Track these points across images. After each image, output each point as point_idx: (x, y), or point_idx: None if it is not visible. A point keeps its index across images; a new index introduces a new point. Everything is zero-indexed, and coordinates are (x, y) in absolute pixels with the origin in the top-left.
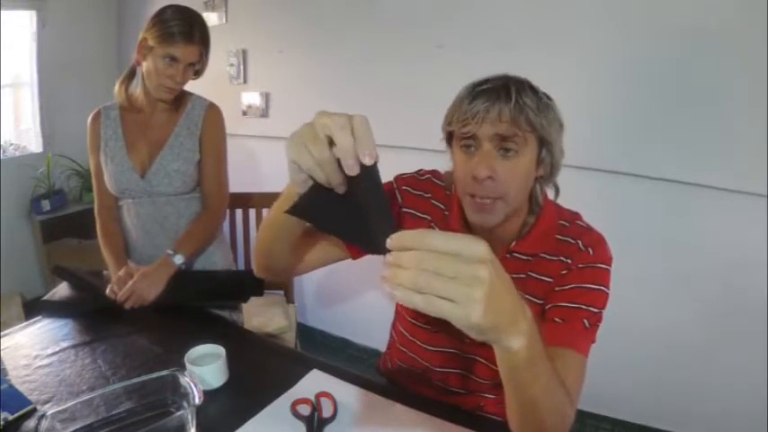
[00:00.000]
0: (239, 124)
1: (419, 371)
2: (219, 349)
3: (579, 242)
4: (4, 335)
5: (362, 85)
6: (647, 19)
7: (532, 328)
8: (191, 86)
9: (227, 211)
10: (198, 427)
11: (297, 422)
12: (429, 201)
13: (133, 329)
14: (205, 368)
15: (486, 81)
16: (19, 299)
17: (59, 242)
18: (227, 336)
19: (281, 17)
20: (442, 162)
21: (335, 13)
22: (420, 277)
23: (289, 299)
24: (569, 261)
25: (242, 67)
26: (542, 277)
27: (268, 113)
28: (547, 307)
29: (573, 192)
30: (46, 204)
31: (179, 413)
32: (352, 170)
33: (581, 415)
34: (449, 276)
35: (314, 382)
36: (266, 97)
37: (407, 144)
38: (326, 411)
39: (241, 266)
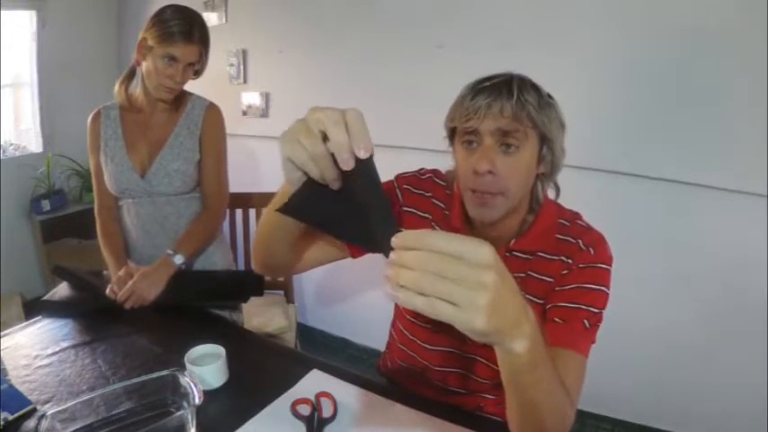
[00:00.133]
0: (239, 124)
1: (419, 370)
2: (219, 349)
3: (580, 241)
4: (4, 335)
5: (362, 85)
6: (647, 19)
7: (535, 331)
8: (191, 86)
9: (227, 211)
10: (198, 427)
11: (297, 422)
12: (430, 200)
13: (133, 329)
14: (205, 368)
15: (488, 78)
16: (19, 299)
17: (59, 242)
18: (227, 336)
19: (281, 17)
20: (441, 162)
21: (335, 13)
22: (422, 279)
23: (289, 299)
24: (570, 261)
25: (242, 67)
26: (543, 277)
27: (268, 113)
28: (547, 307)
29: (573, 192)
30: (46, 204)
31: (179, 413)
32: (348, 164)
33: (581, 415)
34: (452, 279)
35: (314, 382)
36: (266, 97)
37: (407, 144)
38: (326, 411)
39: (241, 266)
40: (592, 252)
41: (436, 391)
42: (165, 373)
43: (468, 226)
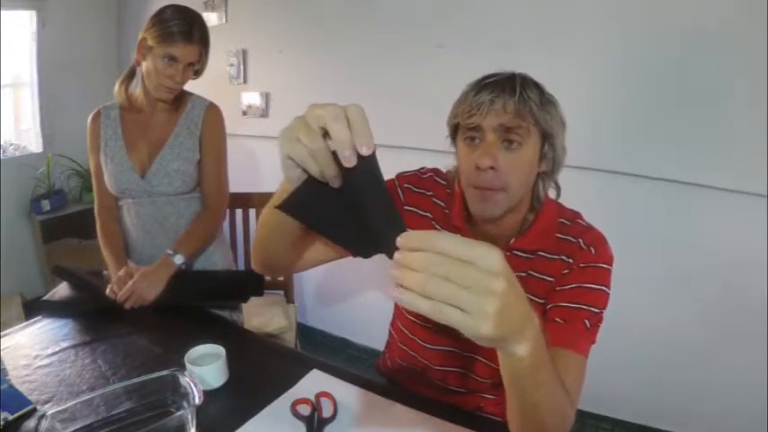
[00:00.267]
0: (239, 124)
1: (419, 369)
2: (219, 349)
3: (580, 241)
4: (4, 335)
5: (362, 85)
6: (647, 19)
7: (538, 334)
8: (191, 86)
9: (227, 211)
10: (198, 427)
11: (297, 422)
12: (430, 199)
13: (133, 329)
14: (205, 368)
15: (491, 75)
16: (19, 299)
17: (59, 242)
18: (227, 336)
19: (281, 17)
20: (441, 162)
21: (335, 13)
22: (429, 282)
23: (289, 299)
24: (570, 260)
25: (242, 67)
26: (543, 276)
27: (268, 113)
28: (548, 307)
29: (573, 192)
30: (46, 204)
31: (179, 413)
32: (350, 161)
33: (581, 415)
34: (460, 284)
35: (314, 382)
36: (266, 97)
37: (407, 144)
38: (326, 411)
39: (241, 266)
40: (592, 252)
41: (436, 390)
42: (165, 373)
43: (469, 225)
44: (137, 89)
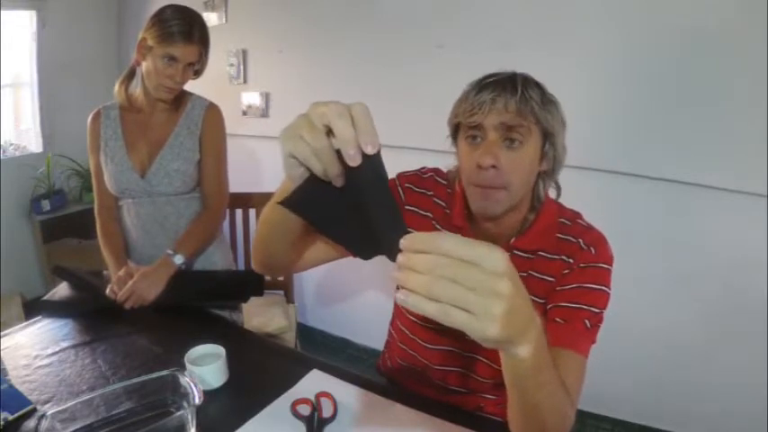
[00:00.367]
0: (239, 124)
1: (419, 369)
2: (219, 349)
3: (580, 240)
4: (4, 335)
5: (362, 85)
6: (647, 19)
7: (540, 335)
8: (191, 86)
9: (227, 211)
10: (198, 427)
11: (297, 422)
12: (431, 199)
13: (133, 329)
14: (205, 368)
15: (492, 75)
16: (19, 299)
17: (59, 242)
18: (227, 336)
19: (281, 17)
20: (442, 162)
21: (335, 13)
22: (434, 284)
23: (289, 299)
24: (571, 260)
25: (242, 67)
26: (544, 276)
27: (268, 113)
28: (548, 307)
29: (573, 192)
30: (46, 204)
31: (179, 413)
32: (355, 160)
33: (581, 415)
34: (466, 286)
35: (314, 382)
36: (266, 97)
37: (407, 144)
38: (326, 411)
39: (241, 266)
40: (593, 252)
41: (436, 390)
42: (165, 373)
43: (470, 224)
44: (137, 89)
